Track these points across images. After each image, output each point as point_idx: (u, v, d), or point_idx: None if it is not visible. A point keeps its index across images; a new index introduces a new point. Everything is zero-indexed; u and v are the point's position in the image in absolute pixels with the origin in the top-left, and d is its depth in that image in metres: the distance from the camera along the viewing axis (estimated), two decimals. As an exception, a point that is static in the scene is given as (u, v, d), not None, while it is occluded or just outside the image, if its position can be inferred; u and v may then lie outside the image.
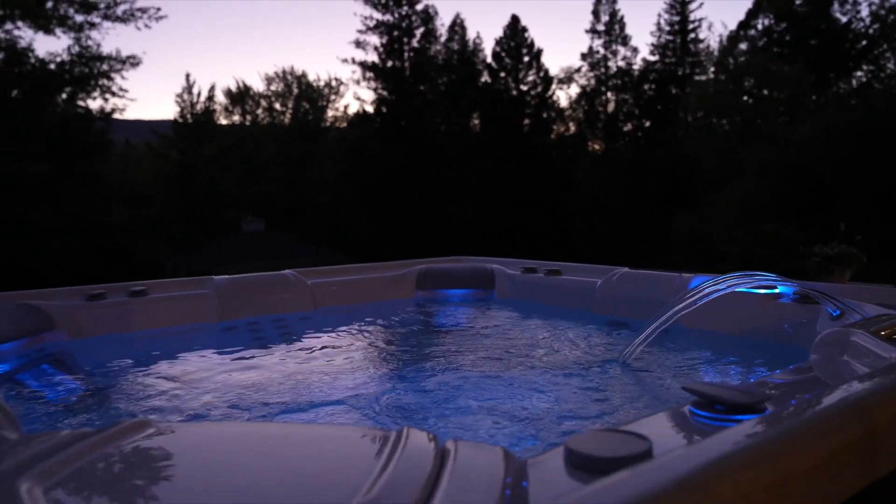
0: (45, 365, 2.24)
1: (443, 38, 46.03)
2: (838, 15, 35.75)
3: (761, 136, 30.89)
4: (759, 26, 38.55)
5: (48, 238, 28.60)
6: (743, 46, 38.56)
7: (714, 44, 45.79)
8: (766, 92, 33.15)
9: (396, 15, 43.23)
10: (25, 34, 29.09)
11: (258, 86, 70.12)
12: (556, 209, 43.63)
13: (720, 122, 34.11)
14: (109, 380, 2.27)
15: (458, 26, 47.66)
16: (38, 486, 0.75)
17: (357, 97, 56.48)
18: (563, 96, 50.79)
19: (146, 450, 0.93)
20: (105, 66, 27.60)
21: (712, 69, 42.73)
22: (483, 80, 47.59)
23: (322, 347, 2.79)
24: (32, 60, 25.27)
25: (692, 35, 44.88)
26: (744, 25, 38.67)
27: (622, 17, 45.91)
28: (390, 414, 1.93)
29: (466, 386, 2.22)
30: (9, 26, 23.34)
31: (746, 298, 2.31)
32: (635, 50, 45.90)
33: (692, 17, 44.76)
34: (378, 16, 43.32)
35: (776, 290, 2.25)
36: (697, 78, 42.36)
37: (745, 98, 33.42)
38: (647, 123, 46.23)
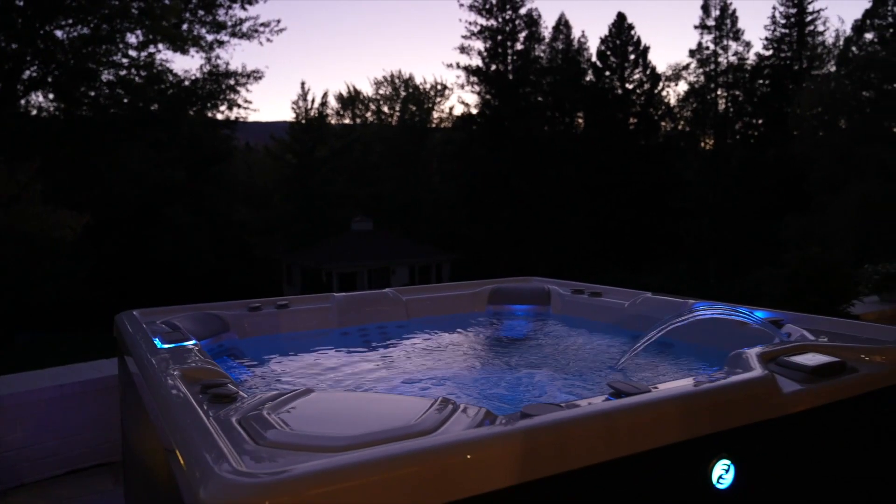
0: (224, 356, 3.29)
1: (547, 39, 46.19)
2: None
3: (883, 135, 29.15)
4: (888, 16, 36.13)
5: (182, 235, 31.68)
6: (869, 36, 36.30)
7: (831, 38, 43.30)
8: (894, 86, 30.97)
9: (500, 20, 43.91)
10: (165, 55, 32.30)
11: (367, 90, 73.31)
12: (665, 209, 42.84)
13: (838, 120, 32.34)
14: (266, 367, 3.30)
15: (562, 26, 47.62)
16: (272, 414, 1.70)
17: (461, 101, 57.63)
18: (672, 94, 49.18)
19: (310, 404, 1.87)
20: (231, 81, 30.16)
21: (832, 63, 40.55)
22: (588, 79, 47.39)
23: (413, 348, 3.72)
24: (170, 79, 28.12)
25: (810, 28, 42.85)
26: (871, 14, 36.34)
27: (734, 11, 44.19)
28: (457, 392, 2.83)
29: (515, 378, 3.09)
30: (151, 49, 26.18)
31: (727, 322, 3.02)
32: (748, 45, 44.15)
33: (810, 8, 42.70)
34: (482, 21, 44.15)
35: (747, 318, 2.93)
36: (815, 73, 40.30)
37: (867, 94, 31.47)
38: (760, 121, 44.53)
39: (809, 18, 42.65)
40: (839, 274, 5.12)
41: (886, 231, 26.22)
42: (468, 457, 1.45)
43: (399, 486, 1.36)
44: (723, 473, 1.81)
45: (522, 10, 44.15)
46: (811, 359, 2.13)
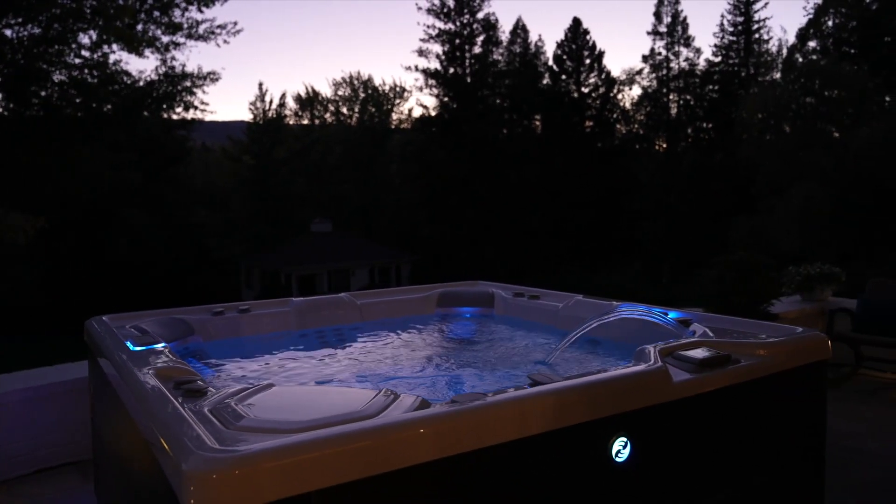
0: (190, 358, 3.54)
1: (504, 43, 46.73)
2: (910, 14, 34.63)
3: (822, 140, 30.42)
4: (830, 24, 37.60)
5: (139, 237, 31.28)
6: (812, 44, 37.74)
7: (774, 47, 44.93)
8: (834, 93, 32.26)
9: (458, 23, 44.30)
10: (119, 56, 31.77)
11: (326, 91, 72.91)
12: (621, 211, 43.78)
13: (782, 125, 33.57)
14: (229, 367, 3.56)
15: (519, 30, 48.24)
16: (239, 405, 1.99)
17: (420, 103, 57.74)
18: (626, 98, 50.13)
19: (271, 396, 2.17)
20: (188, 83, 29.88)
21: (777, 70, 42.06)
22: (544, 82, 48.17)
23: (366, 348, 4.03)
24: (125, 80, 27.76)
25: (756, 36, 44.36)
26: (813, 24, 37.78)
27: (685, 18, 45.51)
28: (401, 385, 3.16)
29: (455, 373, 3.44)
30: (105, 50, 25.82)
31: (647, 322, 3.40)
32: (698, 51, 45.51)
33: (756, 17, 44.20)
34: (440, 25, 44.50)
35: (660, 319, 3.32)
36: (761, 79, 41.75)
37: (808, 100, 32.76)
38: (710, 125, 45.94)
39: (756, 27, 44.12)
40: (761, 275, 5.59)
41: (827, 233, 27.45)
42: (403, 435, 1.77)
43: (345, 459, 1.67)
44: (621, 449, 2.16)
45: (480, 15, 44.63)
46: (701, 353, 2.51)
